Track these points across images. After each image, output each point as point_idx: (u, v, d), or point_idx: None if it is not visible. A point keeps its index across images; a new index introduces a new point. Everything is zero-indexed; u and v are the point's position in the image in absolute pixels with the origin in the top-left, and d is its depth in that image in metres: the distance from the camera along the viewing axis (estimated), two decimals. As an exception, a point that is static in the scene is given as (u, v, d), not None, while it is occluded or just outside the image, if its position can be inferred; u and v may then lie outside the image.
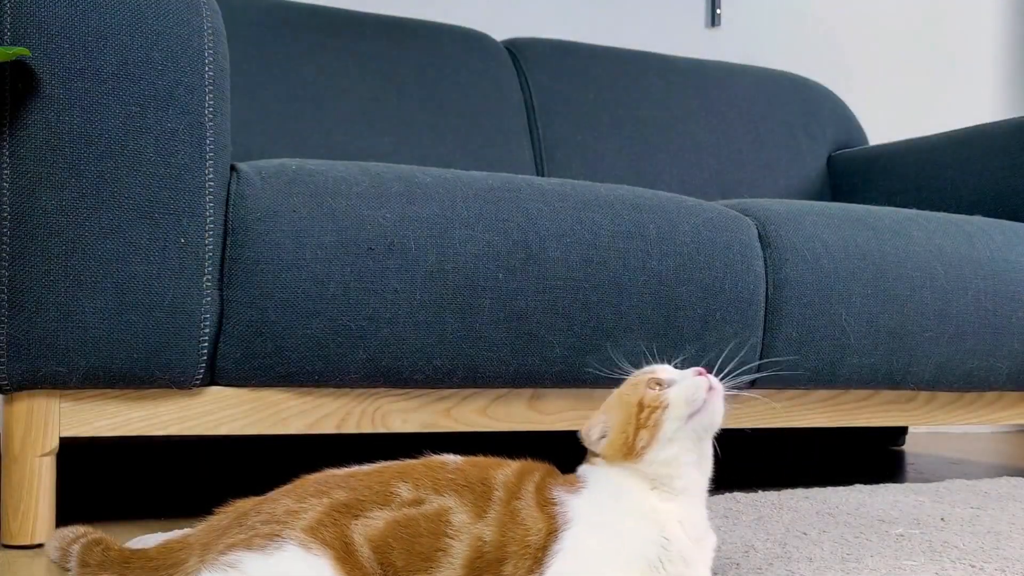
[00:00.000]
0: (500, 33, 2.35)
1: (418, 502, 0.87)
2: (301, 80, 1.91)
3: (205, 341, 1.19)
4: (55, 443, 1.16)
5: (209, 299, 1.18)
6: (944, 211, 1.76)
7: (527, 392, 1.39)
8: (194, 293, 1.17)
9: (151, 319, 1.15)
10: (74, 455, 1.82)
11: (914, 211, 1.66)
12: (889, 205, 2.07)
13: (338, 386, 1.27)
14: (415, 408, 1.33)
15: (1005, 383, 1.66)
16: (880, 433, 2.41)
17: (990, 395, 1.72)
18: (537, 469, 0.93)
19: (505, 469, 0.92)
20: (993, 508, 1.43)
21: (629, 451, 0.91)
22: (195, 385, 1.21)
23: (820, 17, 2.80)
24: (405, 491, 0.88)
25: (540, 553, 0.86)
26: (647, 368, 0.97)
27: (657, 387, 0.93)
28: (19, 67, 1.09)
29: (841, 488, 1.56)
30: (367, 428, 1.30)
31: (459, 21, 2.33)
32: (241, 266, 1.20)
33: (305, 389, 1.27)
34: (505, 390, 1.38)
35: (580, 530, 0.87)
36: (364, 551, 0.84)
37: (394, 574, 0.85)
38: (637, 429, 0.91)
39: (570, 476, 0.94)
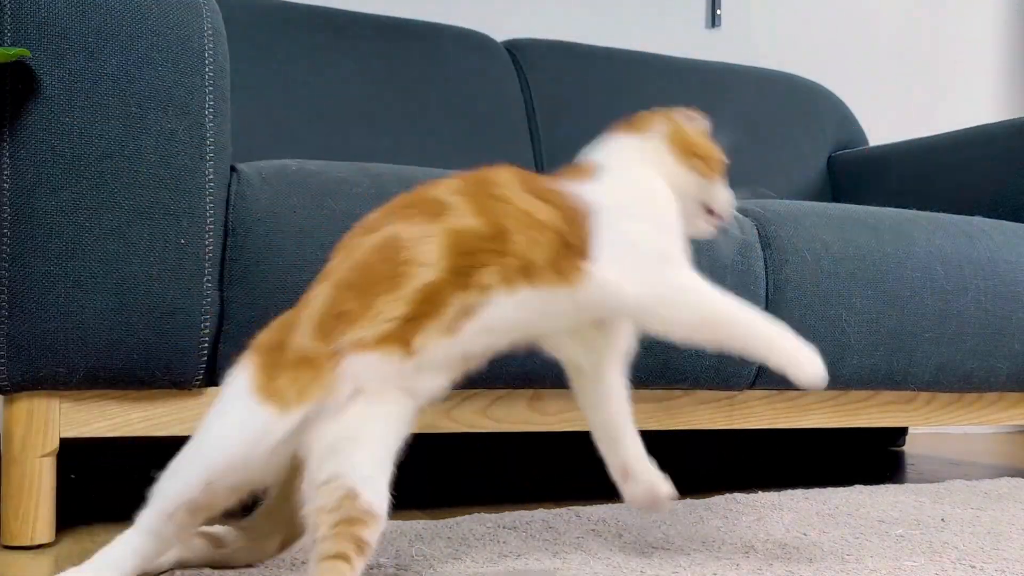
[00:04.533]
0: (500, 33, 2.35)
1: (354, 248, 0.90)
2: (301, 80, 1.91)
3: (205, 341, 1.18)
4: (55, 444, 1.16)
5: (209, 299, 1.18)
6: (944, 211, 1.76)
7: (527, 393, 1.39)
8: (194, 293, 1.17)
9: (151, 319, 1.15)
10: (74, 455, 1.82)
11: (914, 211, 1.66)
12: (889, 205, 2.07)
13: (338, 386, 1.27)
14: (415, 408, 1.32)
15: (1005, 383, 1.66)
16: (880, 434, 2.41)
17: (990, 396, 1.72)
18: (497, 169, 0.94)
19: (448, 181, 0.93)
20: (993, 509, 1.43)
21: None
22: (195, 386, 1.21)
23: (820, 17, 2.80)
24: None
25: (555, 232, 0.89)
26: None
27: None
28: (19, 67, 1.09)
29: (841, 488, 1.56)
30: (367, 428, 1.30)
31: (459, 21, 2.33)
32: (241, 266, 1.20)
33: (305, 389, 1.27)
34: (505, 391, 1.37)
35: (605, 212, 0.92)
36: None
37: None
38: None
39: (573, 168, 1.00)
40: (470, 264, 0.87)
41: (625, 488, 1.03)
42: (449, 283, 0.86)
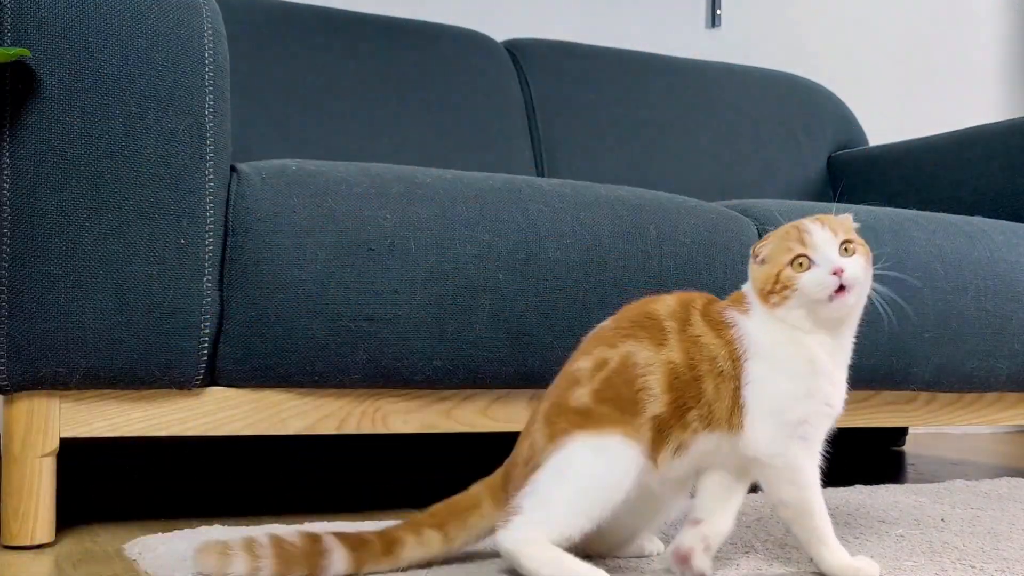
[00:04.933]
0: (500, 33, 2.35)
1: (602, 364, 0.99)
2: (301, 80, 1.91)
3: (205, 341, 1.19)
4: (55, 444, 1.16)
5: (209, 299, 1.18)
6: (944, 211, 1.76)
7: (527, 393, 1.39)
8: (194, 293, 1.17)
9: (151, 319, 1.15)
10: (74, 455, 1.82)
11: (914, 211, 1.66)
12: (889, 205, 2.07)
13: (338, 387, 1.27)
14: (415, 409, 1.33)
15: (1005, 384, 1.66)
16: (880, 434, 2.41)
17: (990, 396, 1.72)
18: (696, 298, 1.04)
19: (667, 300, 1.03)
20: (993, 509, 1.43)
21: (764, 299, 1.01)
22: (195, 386, 1.21)
23: (820, 17, 2.80)
24: (585, 363, 1.00)
25: (734, 381, 0.98)
26: (808, 225, 1.01)
27: (800, 266, 0.99)
28: (19, 67, 1.09)
29: (841, 488, 1.56)
30: (367, 429, 1.30)
31: (459, 21, 2.33)
32: (241, 266, 1.20)
33: (305, 390, 1.27)
34: (505, 391, 1.38)
35: (757, 361, 0.99)
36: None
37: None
38: (770, 292, 1.00)
39: (736, 295, 1.04)
40: (682, 402, 0.98)
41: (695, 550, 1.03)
42: (671, 417, 0.98)
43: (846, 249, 1.00)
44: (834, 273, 0.98)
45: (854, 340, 1.04)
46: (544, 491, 0.95)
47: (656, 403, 0.97)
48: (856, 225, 1.05)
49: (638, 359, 0.99)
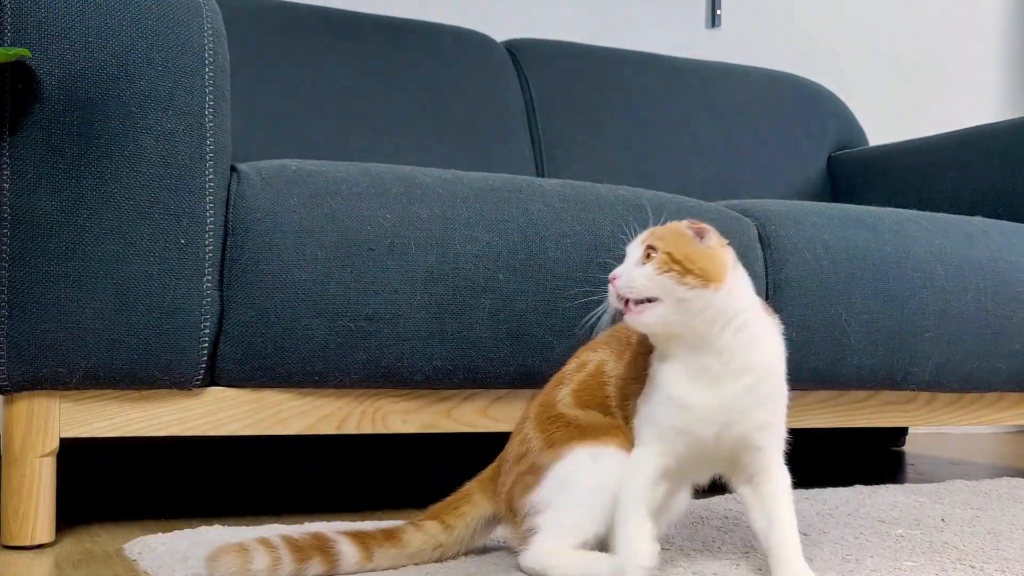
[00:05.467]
0: (500, 33, 2.35)
1: (583, 366, 1.05)
2: (301, 80, 1.91)
3: (205, 341, 1.18)
4: (55, 444, 1.16)
5: (209, 299, 1.18)
6: (944, 211, 1.76)
7: (527, 393, 1.39)
8: (194, 293, 1.17)
9: (151, 319, 1.15)
10: (74, 455, 1.82)
11: (914, 211, 1.66)
12: (889, 205, 2.07)
13: (338, 387, 1.27)
14: (416, 409, 1.33)
15: (1005, 383, 1.66)
16: (880, 434, 2.41)
17: (990, 396, 1.72)
18: None
19: None
20: (993, 509, 1.43)
21: None
22: (195, 386, 1.21)
23: (820, 18, 2.80)
24: (571, 365, 1.06)
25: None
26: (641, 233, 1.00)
27: None
28: (19, 67, 1.09)
29: (841, 488, 1.56)
30: (367, 429, 1.30)
31: (459, 21, 2.33)
32: (241, 266, 1.20)
33: (305, 390, 1.27)
34: (505, 391, 1.38)
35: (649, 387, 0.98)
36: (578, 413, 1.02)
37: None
38: None
39: None
40: (627, 416, 1.01)
41: None
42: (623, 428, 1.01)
43: (648, 256, 0.92)
44: (610, 280, 0.93)
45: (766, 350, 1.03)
46: (553, 504, 0.98)
47: (618, 413, 1.01)
48: (689, 232, 0.94)
49: (607, 367, 1.03)
